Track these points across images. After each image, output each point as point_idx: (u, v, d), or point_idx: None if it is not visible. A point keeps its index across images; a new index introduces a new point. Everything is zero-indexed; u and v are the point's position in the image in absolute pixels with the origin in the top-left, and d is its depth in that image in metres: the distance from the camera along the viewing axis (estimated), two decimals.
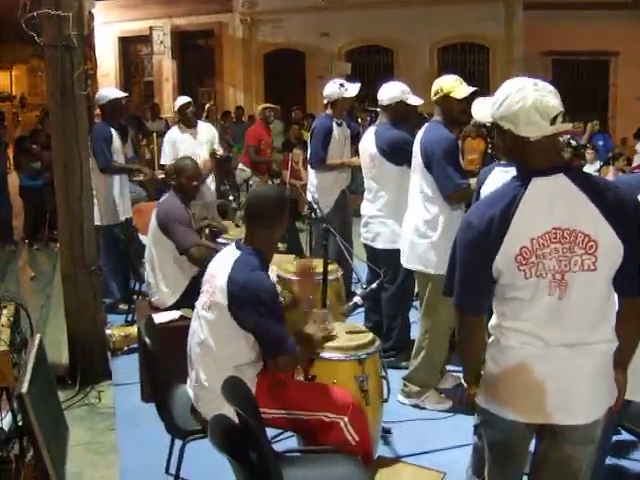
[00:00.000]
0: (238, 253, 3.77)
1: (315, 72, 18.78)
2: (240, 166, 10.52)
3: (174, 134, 8.30)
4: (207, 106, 11.30)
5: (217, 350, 3.71)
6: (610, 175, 11.41)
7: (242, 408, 2.80)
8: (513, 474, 3.04)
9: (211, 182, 8.33)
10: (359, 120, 7.70)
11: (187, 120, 8.22)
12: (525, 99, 2.64)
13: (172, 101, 20.32)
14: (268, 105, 10.42)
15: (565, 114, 2.82)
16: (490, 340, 2.93)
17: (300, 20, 18.67)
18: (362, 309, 5.70)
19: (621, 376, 2.91)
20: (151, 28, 19.99)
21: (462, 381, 3.14)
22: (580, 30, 16.53)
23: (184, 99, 8.30)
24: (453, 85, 5.02)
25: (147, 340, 3.86)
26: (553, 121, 2.63)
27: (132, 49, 22.21)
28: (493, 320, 2.91)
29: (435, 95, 5.07)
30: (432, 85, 5.12)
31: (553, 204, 2.66)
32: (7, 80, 40.54)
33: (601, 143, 13.51)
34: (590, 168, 11.43)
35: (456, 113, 5.05)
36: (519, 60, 17.56)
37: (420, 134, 5.11)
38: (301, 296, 4.56)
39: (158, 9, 20.27)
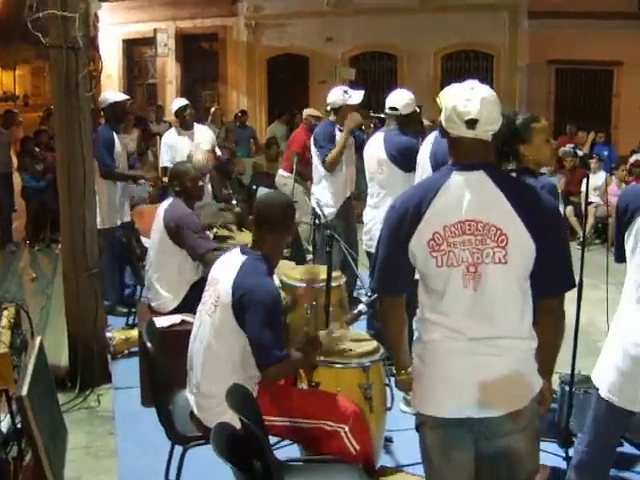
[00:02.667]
0: (244, 258, 3.76)
1: (319, 77, 18.72)
2: (280, 172, 10.27)
3: (171, 137, 8.23)
4: (212, 110, 11.25)
5: (221, 355, 3.70)
6: (613, 185, 11.37)
7: (246, 416, 2.77)
8: None
9: (207, 183, 8.25)
10: (363, 127, 7.61)
11: (184, 123, 8.16)
12: (451, 99, 2.81)
13: None
14: (314, 113, 10.17)
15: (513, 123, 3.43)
16: (415, 337, 3.00)
17: (304, 25, 18.61)
18: (364, 317, 5.65)
19: (546, 385, 2.99)
20: (155, 30, 19.97)
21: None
22: (584, 39, 16.47)
23: (181, 102, 8.25)
24: None
25: (149, 344, 3.83)
26: (470, 126, 2.75)
27: (136, 51, 22.17)
28: (418, 313, 2.99)
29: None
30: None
31: (469, 197, 2.78)
32: (11, 80, 40.70)
33: (606, 153, 13.46)
34: (595, 178, 11.37)
35: None
36: (523, 69, 17.55)
37: (430, 142, 5.07)
38: (304, 301, 4.53)
39: (163, 12, 20.23)
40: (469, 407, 2.83)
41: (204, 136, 8.27)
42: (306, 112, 10.26)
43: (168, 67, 20.99)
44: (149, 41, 20.54)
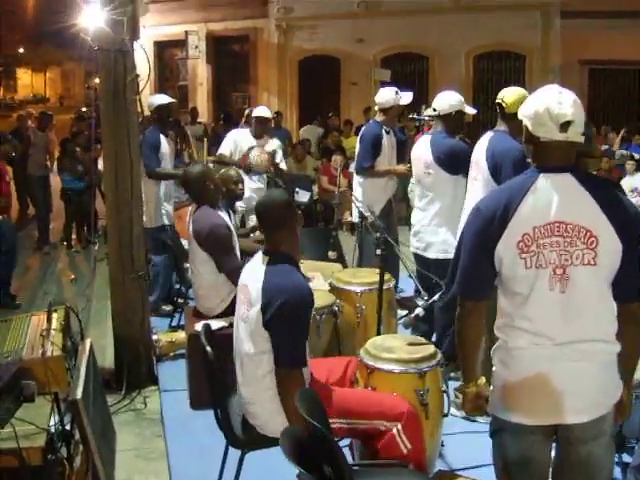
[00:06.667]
0: (267, 260, 3.79)
1: (350, 78, 18.74)
2: None
3: (240, 135, 8.40)
4: (246, 112, 11.27)
5: (257, 357, 3.72)
6: None
7: (316, 421, 2.75)
8: None
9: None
10: (404, 129, 7.66)
11: (259, 132, 8.26)
12: (541, 103, 2.80)
13: (207, 105, 20.52)
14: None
15: (592, 127, 2.93)
16: (497, 344, 2.99)
17: (335, 26, 18.61)
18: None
19: (626, 391, 2.97)
20: (186, 32, 20.05)
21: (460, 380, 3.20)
22: (618, 39, 16.33)
23: (266, 112, 8.41)
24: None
25: (208, 348, 3.82)
26: (564, 129, 2.77)
27: (167, 53, 22.30)
28: (499, 320, 2.97)
29: (509, 107, 4.92)
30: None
31: (558, 198, 2.79)
32: (41, 83, 40.97)
33: None
34: (632, 179, 11.24)
35: None
36: (556, 69, 17.41)
37: (484, 143, 5.02)
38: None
39: (194, 14, 20.34)
40: (557, 413, 2.83)
41: (273, 146, 8.42)
42: None
43: (199, 69, 21.10)
44: (180, 43, 20.63)
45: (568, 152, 2.85)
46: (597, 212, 2.76)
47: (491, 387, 3.04)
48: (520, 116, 2.93)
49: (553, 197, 2.79)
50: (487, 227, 2.84)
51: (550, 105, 2.77)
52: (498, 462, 3.05)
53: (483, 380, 3.08)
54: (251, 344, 3.72)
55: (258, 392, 3.75)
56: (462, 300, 3.02)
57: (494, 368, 3.01)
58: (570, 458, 2.91)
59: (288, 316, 3.60)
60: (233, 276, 5.20)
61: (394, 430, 3.65)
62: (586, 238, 2.76)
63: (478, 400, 3.06)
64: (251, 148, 8.14)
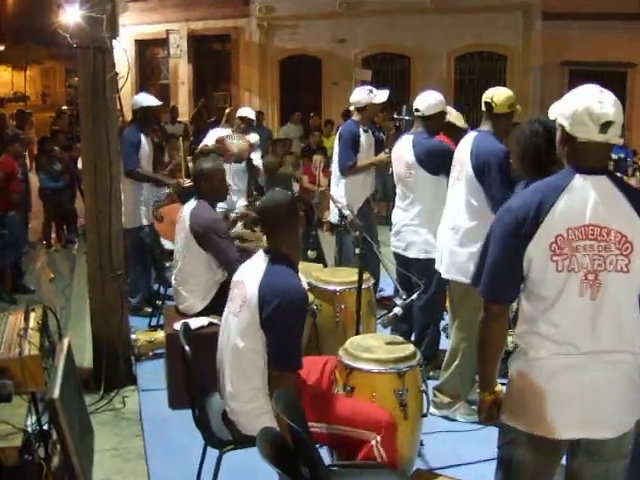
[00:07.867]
0: (267, 259, 3.78)
1: (331, 78, 18.74)
2: None
3: (223, 131, 8.63)
4: (227, 111, 11.25)
5: (248, 356, 3.70)
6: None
7: (294, 422, 2.74)
8: None
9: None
10: (382, 129, 7.65)
11: (241, 130, 8.44)
12: (581, 102, 2.70)
13: (188, 104, 20.45)
14: None
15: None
16: (516, 352, 2.88)
17: (317, 26, 18.61)
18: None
19: None
20: (168, 32, 19.95)
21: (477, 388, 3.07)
22: (598, 41, 16.42)
23: (250, 113, 8.63)
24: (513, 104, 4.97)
25: (187, 347, 3.80)
26: (604, 129, 2.67)
27: (148, 52, 22.20)
28: (520, 326, 2.86)
29: (498, 107, 4.94)
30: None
31: (594, 201, 2.67)
32: (21, 80, 40.61)
33: (622, 155, 13.39)
34: None
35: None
36: (536, 70, 17.51)
37: (468, 143, 5.00)
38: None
39: (175, 13, 20.25)
40: (580, 427, 2.75)
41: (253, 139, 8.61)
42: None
43: (180, 68, 21.02)
44: (161, 42, 20.54)
45: (605, 154, 2.79)
46: (633, 217, 2.67)
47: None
48: (554, 115, 2.83)
49: (589, 199, 2.68)
50: (518, 227, 2.72)
51: (590, 104, 2.68)
52: (504, 473, 2.96)
53: (500, 388, 2.98)
54: (241, 339, 3.71)
55: (243, 390, 3.74)
56: (487, 303, 2.88)
57: (511, 378, 2.92)
58: (585, 474, 2.84)
59: (283, 318, 3.60)
60: (234, 267, 5.18)
61: (373, 442, 3.62)
62: (621, 244, 2.66)
63: (494, 408, 2.97)
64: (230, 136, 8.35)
